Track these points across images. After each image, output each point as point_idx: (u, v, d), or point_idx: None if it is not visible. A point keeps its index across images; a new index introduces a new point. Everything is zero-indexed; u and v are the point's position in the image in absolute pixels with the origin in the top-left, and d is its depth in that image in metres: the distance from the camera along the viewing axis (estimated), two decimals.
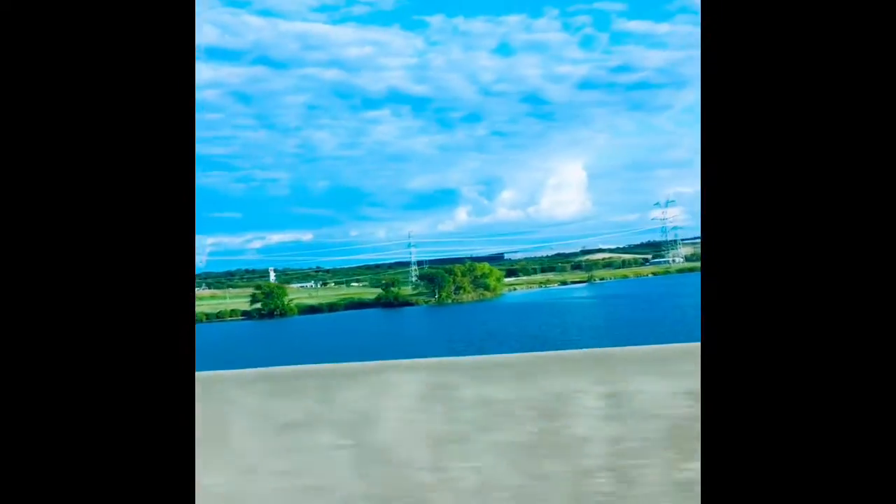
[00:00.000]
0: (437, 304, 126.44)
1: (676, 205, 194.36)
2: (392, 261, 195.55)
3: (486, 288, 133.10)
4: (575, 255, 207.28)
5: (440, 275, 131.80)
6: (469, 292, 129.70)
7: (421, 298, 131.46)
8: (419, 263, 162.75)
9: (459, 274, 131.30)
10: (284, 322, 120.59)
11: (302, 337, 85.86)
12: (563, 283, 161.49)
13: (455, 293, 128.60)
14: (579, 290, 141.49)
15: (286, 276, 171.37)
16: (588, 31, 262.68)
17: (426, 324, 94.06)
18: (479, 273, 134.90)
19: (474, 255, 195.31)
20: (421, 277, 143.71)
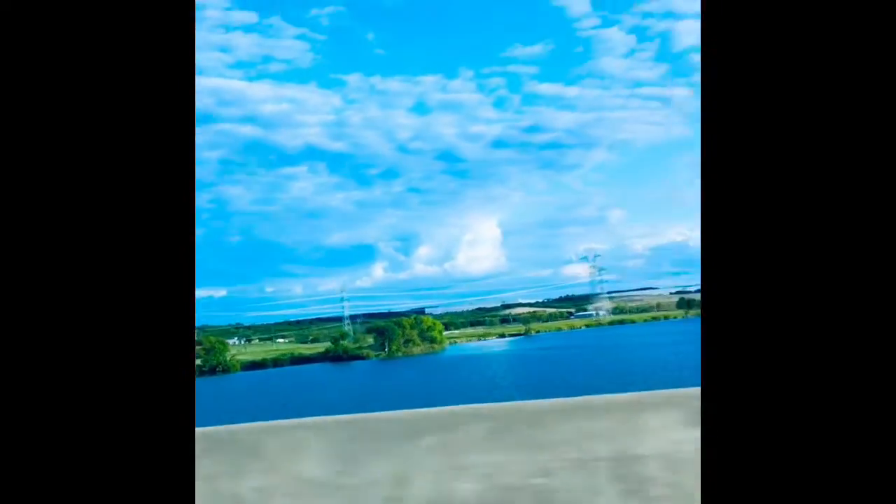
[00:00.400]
0: (387, 357, 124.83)
1: (592, 260, 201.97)
2: (314, 316, 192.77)
3: (433, 341, 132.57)
4: (496, 309, 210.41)
5: (390, 328, 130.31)
6: (419, 345, 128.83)
7: (371, 352, 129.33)
8: (352, 318, 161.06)
9: (408, 327, 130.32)
10: (235, 378, 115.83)
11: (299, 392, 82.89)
12: (501, 335, 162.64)
13: (404, 346, 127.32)
14: (523, 343, 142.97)
15: (205, 333, 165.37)
16: (502, 92, 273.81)
17: (414, 376, 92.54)
18: (425, 326, 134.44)
19: (394, 310, 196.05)
20: (370, 331, 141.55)
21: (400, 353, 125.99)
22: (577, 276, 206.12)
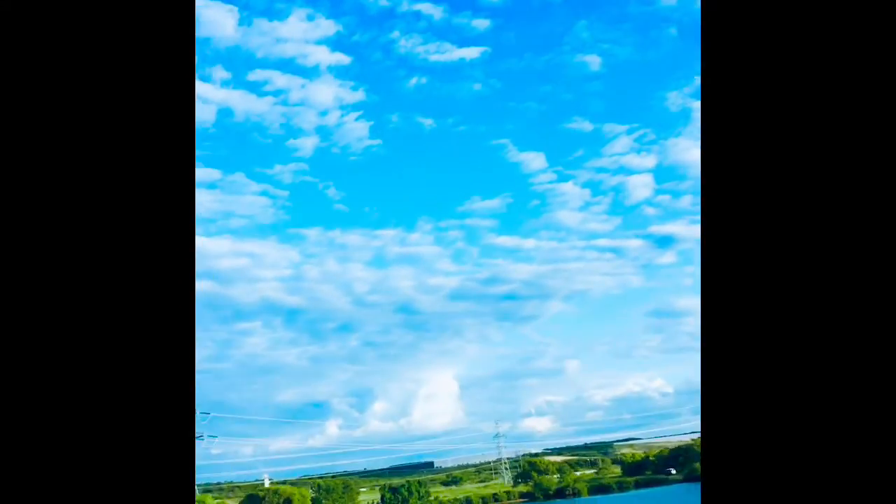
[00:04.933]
0: None
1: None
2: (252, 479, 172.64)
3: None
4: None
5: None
6: None
7: None
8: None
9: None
10: None
11: None
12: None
13: None
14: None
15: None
16: (460, 244, 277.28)
17: None
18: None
19: (397, 465, 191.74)
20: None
21: None
22: (535, 429, 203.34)
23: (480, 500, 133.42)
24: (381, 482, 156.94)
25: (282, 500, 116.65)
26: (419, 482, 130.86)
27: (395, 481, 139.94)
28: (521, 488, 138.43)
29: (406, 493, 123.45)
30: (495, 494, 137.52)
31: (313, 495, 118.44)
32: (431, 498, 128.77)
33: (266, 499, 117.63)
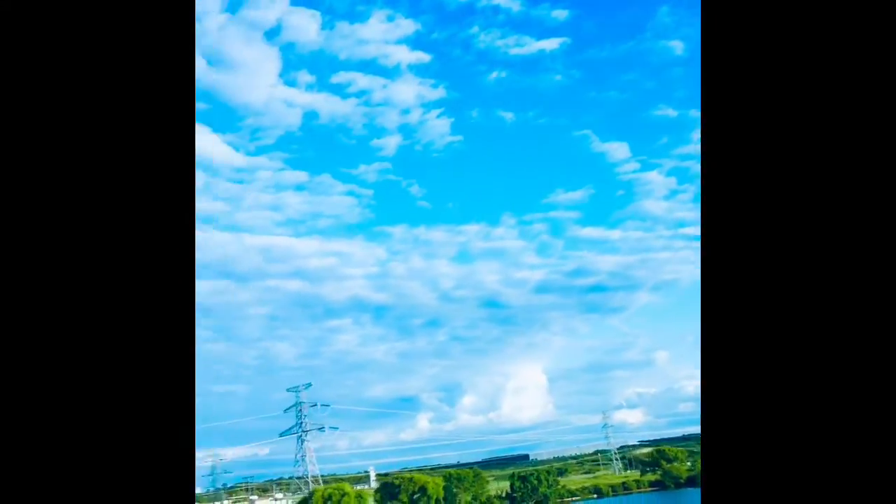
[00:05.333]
0: None
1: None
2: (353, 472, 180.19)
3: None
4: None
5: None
6: None
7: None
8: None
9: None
10: None
11: None
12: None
13: None
14: None
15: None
16: (544, 237, 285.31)
17: None
18: None
19: (490, 457, 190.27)
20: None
21: None
22: (626, 421, 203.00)
23: (609, 489, 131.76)
24: (483, 474, 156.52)
25: (416, 488, 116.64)
26: (547, 471, 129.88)
27: (526, 470, 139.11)
28: (650, 477, 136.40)
29: (535, 482, 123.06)
30: (624, 483, 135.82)
31: (445, 484, 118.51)
32: (560, 486, 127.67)
33: (402, 487, 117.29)
